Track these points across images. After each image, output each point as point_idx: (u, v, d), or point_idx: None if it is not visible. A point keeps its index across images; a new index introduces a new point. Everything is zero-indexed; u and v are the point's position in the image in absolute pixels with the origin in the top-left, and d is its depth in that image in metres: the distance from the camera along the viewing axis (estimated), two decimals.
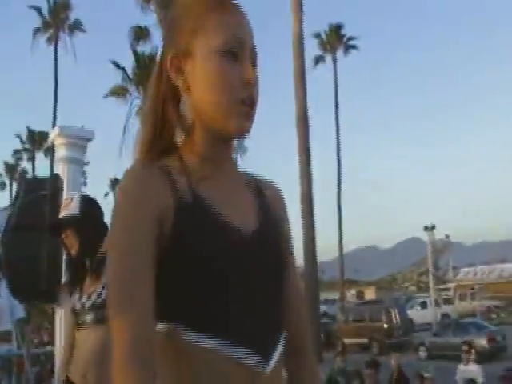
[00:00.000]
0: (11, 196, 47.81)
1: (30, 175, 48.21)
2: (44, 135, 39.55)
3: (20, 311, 7.48)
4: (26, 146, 48.48)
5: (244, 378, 1.00)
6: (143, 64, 25.40)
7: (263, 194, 1.20)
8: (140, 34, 26.24)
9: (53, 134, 10.31)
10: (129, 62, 26.44)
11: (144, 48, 26.45)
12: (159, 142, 1.10)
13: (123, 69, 25.05)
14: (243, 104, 1.05)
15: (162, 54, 1.13)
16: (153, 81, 1.13)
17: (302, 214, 16.98)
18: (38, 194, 6.13)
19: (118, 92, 25.76)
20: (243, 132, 1.08)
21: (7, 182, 53.75)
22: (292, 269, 1.20)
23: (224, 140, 1.11)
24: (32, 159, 48.17)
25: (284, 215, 1.23)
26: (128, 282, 0.97)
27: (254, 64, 1.10)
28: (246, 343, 1.01)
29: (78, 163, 8.74)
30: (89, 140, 7.51)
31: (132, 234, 0.99)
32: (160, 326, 1.01)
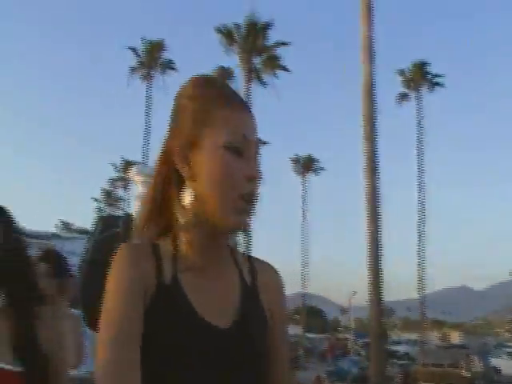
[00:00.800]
0: None
1: (124, 202, 50.77)
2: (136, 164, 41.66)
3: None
4: (121, 174, 51.14)
5: None
6: None
7: (254, 281, 1.21)
8: (223, 74, 27.62)
9: (131, 172, 11.09)
10: None
11: None
12: (158, 220, 1.15)
13: None
14: (242, 199, 1.08)
15: (169, 138, 1.16)
16: (157, 162, 1.18)
17: (368, 255, 16.90)
18: (112, 231, 6.61)
19: None
20: (240, 227, 1.11)
21: (103, 208, 56.90)
22: (280, 353, 1.23)
23: (221, 232, 1.14)
24: (126, 187, 50.69)
25: (278, 298, 1.25)
26: (119, 340, 1.01)
27: (256, 157, 1.14)
28: None
29: None
30: None
31: (122, 302, 1.05)
32: None
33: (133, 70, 35.19)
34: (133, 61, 35.24)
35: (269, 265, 1.28)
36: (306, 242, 51.73)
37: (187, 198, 1.11)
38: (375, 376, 16.93)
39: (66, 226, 60.54)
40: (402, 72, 39.23)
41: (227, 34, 27.45)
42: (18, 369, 1.70)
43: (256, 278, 1.21)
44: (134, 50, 34.85)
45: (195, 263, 1.12)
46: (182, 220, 1.12)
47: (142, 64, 34.86)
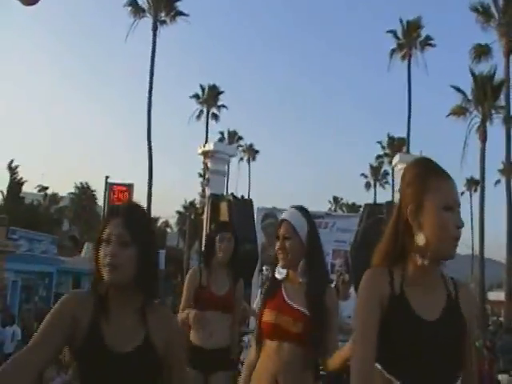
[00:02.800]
0: (375, 195, 53.00)
1: (389, 180, 52.08)
2: (402, 141, 42.39)
3: None
4: (387, 151, 52.33)
5: None
6: (481, 83, 26.80)
7: (456, 293, 1.67)
8: (480, 52, 27.29)
9: (394, 160, 11.97)
10: (466, 81, 27.15)
11: (482, 67, 27.42)
12: (392, 254, 1.66)
13: (461, 91, 26.13)
14: (454, 240, 1.59)
15: (401, 201, 1.67)
16: (393, 216, 1.68)
17: None
18: (377, 217, 8.14)
19: (458, 112, 27.76)
20: (453, 257, 1.62)
21: (372, 183, 59.18)
22: (470, 347, 1.67)
23: (441, 259, 1.64)
24: (391, 162, 51.65)
25: (472, 309, 1.70)
26: (361, 337, 1.57)
27: (460, 210, 1.61)
28: None
29: None
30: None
31: (365, 312, 1.60)
32: (378, 366, 1.59)
33: (393, 51, 35.81)
34: (392, 43, 35.94)
35: (465, 284, 1.80)
36: None
37: (419, 239, 1.61)
38: None
39: (336, 201, 64.79)
40: None
41: (483, 11, 26.68)
42: (307, 313, 2.54)
43: (458, 293, 1.68)
44: (393, 32, 35.71)
45: (418, 280, 1.63)
46: (414, 253, 1.63)
47: (401, 45, 35.30)
